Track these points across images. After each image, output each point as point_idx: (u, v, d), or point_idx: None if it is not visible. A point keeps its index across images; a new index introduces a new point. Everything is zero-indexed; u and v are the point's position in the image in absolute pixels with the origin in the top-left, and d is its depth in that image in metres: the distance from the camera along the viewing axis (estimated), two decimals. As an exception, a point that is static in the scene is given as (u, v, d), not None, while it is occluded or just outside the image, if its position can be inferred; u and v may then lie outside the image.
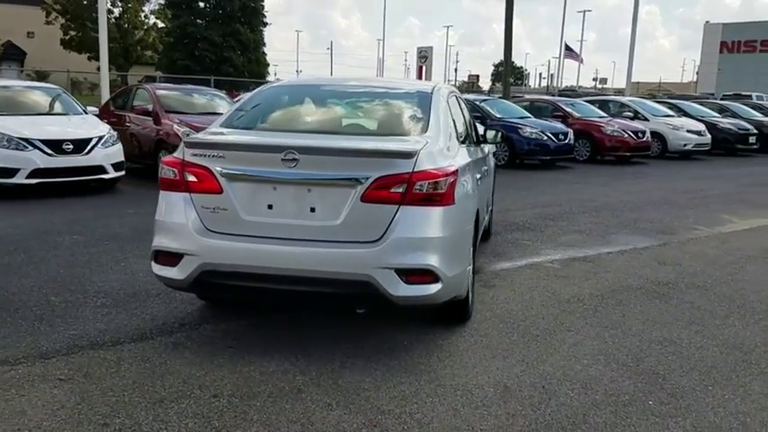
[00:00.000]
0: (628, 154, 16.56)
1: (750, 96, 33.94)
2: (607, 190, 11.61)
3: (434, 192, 3.64)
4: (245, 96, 4.72)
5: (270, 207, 3.68)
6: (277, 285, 3.69)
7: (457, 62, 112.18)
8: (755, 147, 20.12)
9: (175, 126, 10.22)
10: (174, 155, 3.93)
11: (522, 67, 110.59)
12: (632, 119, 18.35)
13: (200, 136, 3.98)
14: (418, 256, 3.59)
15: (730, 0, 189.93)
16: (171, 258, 3.79)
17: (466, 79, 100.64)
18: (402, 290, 3.57)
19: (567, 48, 64.97)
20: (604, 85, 71.34)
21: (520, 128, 14.60)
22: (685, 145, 18.11)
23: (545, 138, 14.59)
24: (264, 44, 52.50)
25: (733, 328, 4.52)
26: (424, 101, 4.49)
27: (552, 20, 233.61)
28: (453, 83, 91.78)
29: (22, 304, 4.53)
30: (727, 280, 5.76)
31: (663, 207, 9.79)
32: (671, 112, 19.79)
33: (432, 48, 78.94)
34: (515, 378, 3.61)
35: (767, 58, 52.64)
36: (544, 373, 3.68)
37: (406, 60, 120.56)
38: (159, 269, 3.88)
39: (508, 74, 23.83)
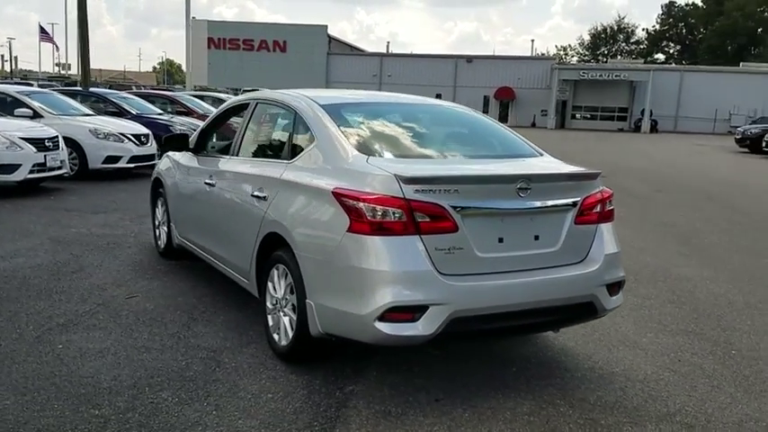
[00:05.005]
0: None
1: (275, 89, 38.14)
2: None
3: (610, 209, 3.85)
4: (308, 111, 3.95)
5: (500, 240, 3.40)
6: (518, 321, 3.48)
7: None
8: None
9: None
10: (383, 192, 3.21)
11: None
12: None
13: (425, 169, 3.44)
14: (619, 269, 3.79)
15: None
16: (409, 313, 3.16)
17: None
18: (610, 303, 3.70)
19: (43, 30, 60.60)
20: (69, 71, 66.24)
21: (170, 125, 13.41)
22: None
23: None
24: None
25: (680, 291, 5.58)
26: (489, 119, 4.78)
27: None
28: None
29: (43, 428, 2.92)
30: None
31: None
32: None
33: None
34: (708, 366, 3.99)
35: (249, 55, 57.44)
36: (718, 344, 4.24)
37: None
38: (394, 328, 3.16)
39: (88, 62, 21.35)
